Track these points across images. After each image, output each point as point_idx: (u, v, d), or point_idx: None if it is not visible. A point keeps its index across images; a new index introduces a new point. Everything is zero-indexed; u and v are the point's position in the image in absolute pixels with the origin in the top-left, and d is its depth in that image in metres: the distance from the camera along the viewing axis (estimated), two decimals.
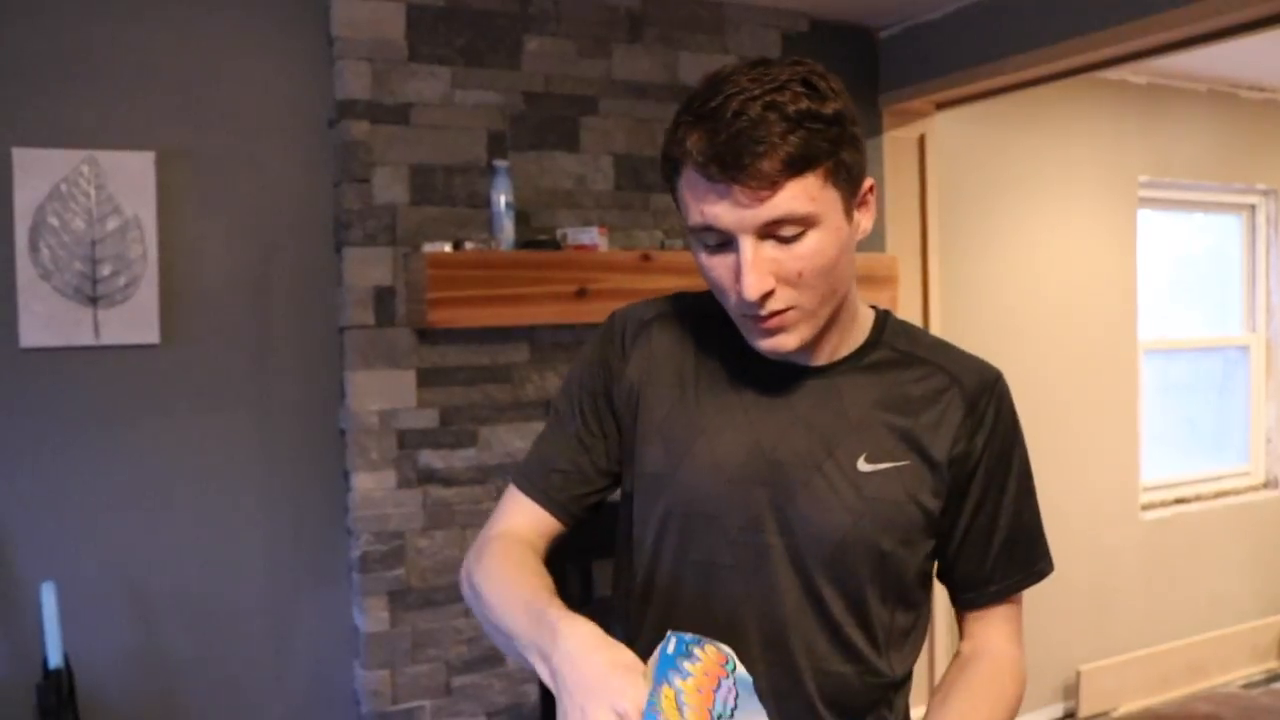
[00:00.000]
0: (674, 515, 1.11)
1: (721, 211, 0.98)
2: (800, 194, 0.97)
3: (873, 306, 1.18)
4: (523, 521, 1.17)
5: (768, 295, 1.00)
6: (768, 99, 0.95)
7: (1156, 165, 4.17)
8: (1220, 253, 4.61)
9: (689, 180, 1.00)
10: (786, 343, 1.04)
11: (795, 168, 0.96)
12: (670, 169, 1.03)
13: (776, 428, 1.09)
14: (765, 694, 1.07)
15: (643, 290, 1.24)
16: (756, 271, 0.98)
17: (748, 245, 0.98)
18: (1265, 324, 4.61)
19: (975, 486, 1.13)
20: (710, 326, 1.15)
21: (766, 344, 1.05)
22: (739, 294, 1.00)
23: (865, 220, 1.07)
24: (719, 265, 1.02)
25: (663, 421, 1.12)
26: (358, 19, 2.54)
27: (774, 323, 1.03)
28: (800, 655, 1.08)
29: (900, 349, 1.14)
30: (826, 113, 0.97)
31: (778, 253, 0.99)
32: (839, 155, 0.99)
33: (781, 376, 1.11)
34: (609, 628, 0.98)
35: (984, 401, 1.13)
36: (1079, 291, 4.00)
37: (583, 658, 0.90)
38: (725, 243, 1.00)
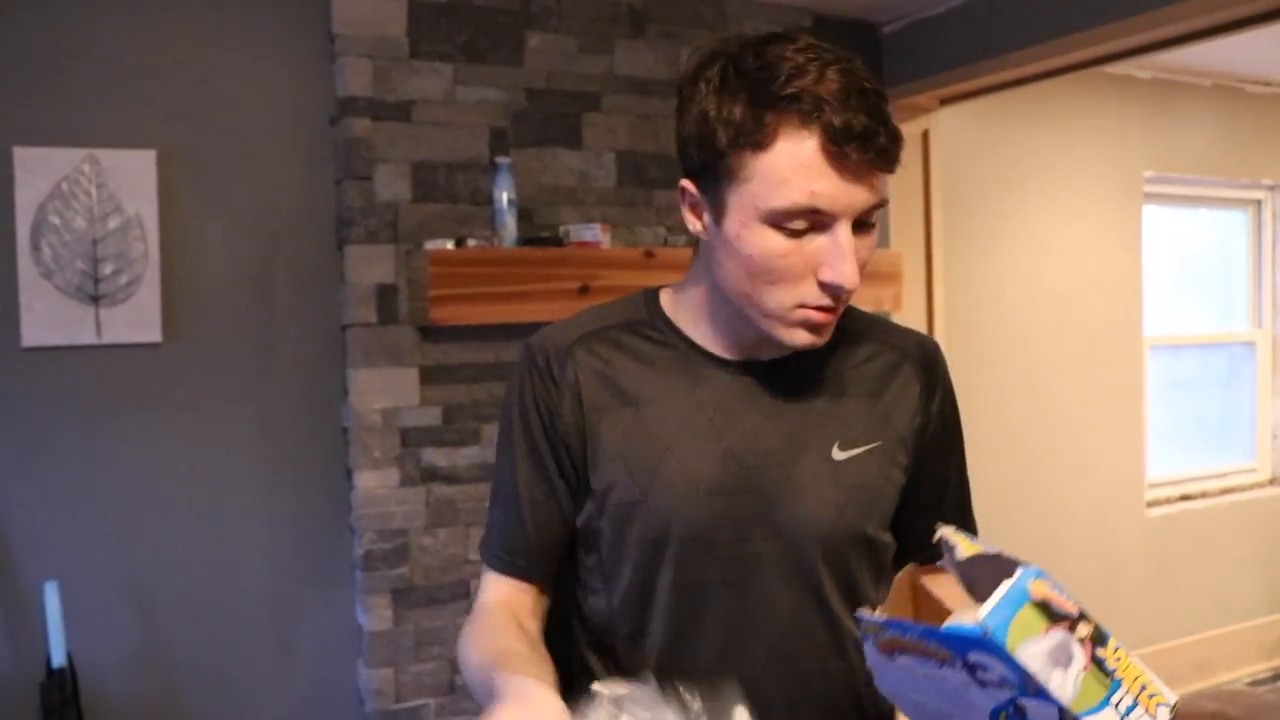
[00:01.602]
0: (652, 541, 1.05)
1: (841, 192, 0.93)
2: (888, 179, 0.97)
3: None
4: (503, 596, 1.11)
5: None
6: (859, 74, 0.94)
7: (1161, 160, 4.15)
8: (1226, 248, 4.59)
9: (798, 155, 0.92)
10: (826, 335, 1.02)
11: (901, 149, 0.96)
12: (754, 141, 0.93)
13: (744, 430, 1.05)
14: (777, 705, 1.05)
15: (645, 287, 1.19)
16: (855, 259, 0.96)
17: (848, 230, 0.95)
18: (1271, 320, 4.59)
19: (930, 454, 1.13)
20: (639, 336, 1.10)
21: (810, 338, 1.00)
22: (827, 283, 0.96)
23: None
24: (797, 251, 0.95)
25: (620, 445, 1.05)
26: (359, 16, 2.53)
27: (835, 315, 1.00)
28: (806, 660, 1.07)
29: (844, 328, 1.11)
30: (879, 87, 0.97)
31: (856, 241, 0.97)
32: None
33: (736, 376, 1.07)
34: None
35: (934, 372, 1.14)
36: (1084, 288, 3.99)
37: (511, 701, 0.83)
38: (809, 229, 0.95)
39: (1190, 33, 2.62)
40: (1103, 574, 4.04)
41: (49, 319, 2.32)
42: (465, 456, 2.66)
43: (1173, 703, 0.79)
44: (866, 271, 1.00)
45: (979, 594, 0.81)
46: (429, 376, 2.61)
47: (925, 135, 3.42)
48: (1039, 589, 0.78)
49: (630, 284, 2.60)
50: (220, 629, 2.51)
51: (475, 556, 2.66)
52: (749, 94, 0.94)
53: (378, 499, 2.56)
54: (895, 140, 0.94)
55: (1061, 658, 0.75)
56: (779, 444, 1.06)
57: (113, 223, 2.38)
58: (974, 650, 0.76)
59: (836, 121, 0.91)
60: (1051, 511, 3.86)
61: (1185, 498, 4.37)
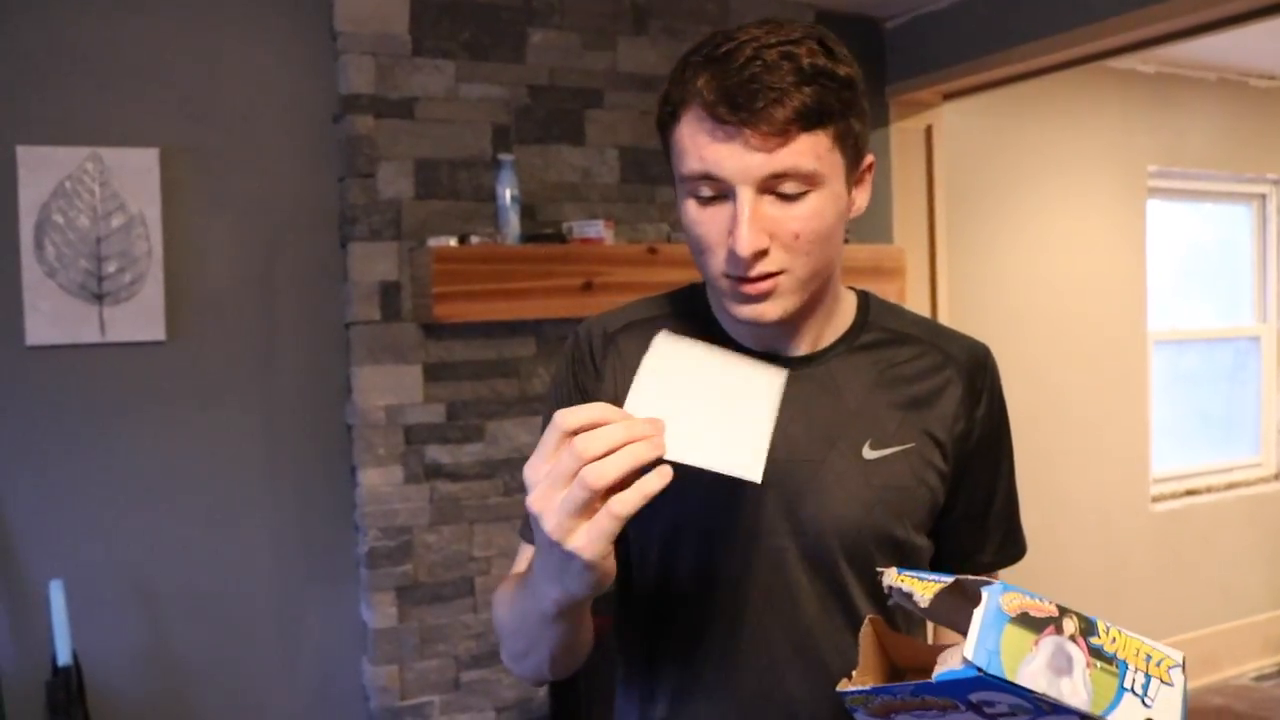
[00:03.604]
0: (677, 532, 1.05)
1: (725, 157, 0.92)
2: (808, 150, 0.93)
3: (852, 288, 1.14)
4: None
5: (761, 255, 0.95)
6: (784, 49, 0.93)
7: (1166, 155, 4.14)
8: (1230, 243, 4.58)
9: (691, 123, 0.95)
10: (769, 311, 0.99)
11: (808, 121, 0.92)
12: (668, 113, 0.98)
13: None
14: (801, 702, 1.04)
15: (649, 284, 1.19)
16: (753, 226, 0.93)
17: (746, 197, 0.93)
18: (1276, 314, 4.58)
19: (974, 462, 1.11)
20: (682, 328, 1.09)
21: (747, 311, 0.99)
22: (730, 250, 0.95)
23: (861, 198, 1.04)
24: (709, 219, 0.96)
25: None
26: (361, 13, 2.53)
27: (762, 286, 0.97)
28: (831, 655, 1.05)
29: (890, 328, 1.11)
30: (840, 74, 0.95)
31: (776, 210, 0.95)
32: (849, 119, 0.96)
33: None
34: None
35: (980, 377, 1.12)
36: (1088, 283, 3.98)
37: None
38: (720, 195, 0.95)
39: (1194, 26, 2.61)
40: (1107, 569, 4.03)
41: (53, 318, 2.33)
42: (469, 454, 2.66)
43: (1181, 660, 0.77)
44: (824, 241, 0.98)
45: (956, 626, 0.77)
46: (432, 374, 2.61)
47: (929, 130, 3.42)
48: (1012, 603, 0.75)
49: (633, 280, 2.62)
50: (225, 626, 2.52)
51: (479, 553, 2.67)
52: (676, 74, 0.98)
53: (382, 496, 2.57)
54: (786, 99, 0.91)
55: (1062, 664, 0.72)
56: (808, 440, 1.04)
57: (116, 221, 2.38)
58: (976, 690, 0.73)
59: (712, 85, 0.93)
60: (1056, 506, 3.86)
61: (1190, 492, 4.37)
